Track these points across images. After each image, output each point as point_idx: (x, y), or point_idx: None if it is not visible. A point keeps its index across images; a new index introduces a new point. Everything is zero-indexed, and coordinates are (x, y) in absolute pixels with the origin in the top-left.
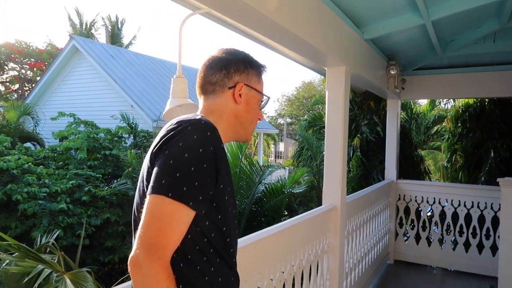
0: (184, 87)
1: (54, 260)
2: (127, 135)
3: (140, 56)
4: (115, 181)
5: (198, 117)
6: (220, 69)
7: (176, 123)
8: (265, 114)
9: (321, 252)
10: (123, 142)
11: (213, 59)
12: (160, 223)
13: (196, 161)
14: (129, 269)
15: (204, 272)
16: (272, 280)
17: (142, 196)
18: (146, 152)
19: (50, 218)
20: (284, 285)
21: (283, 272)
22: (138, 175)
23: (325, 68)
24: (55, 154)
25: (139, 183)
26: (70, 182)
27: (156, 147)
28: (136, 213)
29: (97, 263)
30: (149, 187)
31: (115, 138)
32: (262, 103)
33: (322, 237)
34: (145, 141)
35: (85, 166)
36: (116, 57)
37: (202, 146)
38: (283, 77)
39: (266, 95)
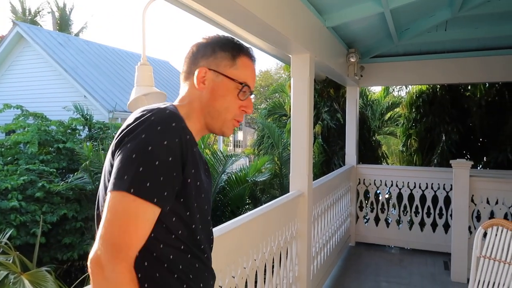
0: (149, 75)
1: (9, 260)
2: (81, 127)
3: (92, 44)
4: (71, 175)
5: (163, 106)
6: (190, 56)
7: (140, 112)
8: None
9: (291, 238)
10: (77, 135)
11: (191, 47)
12: (123, 222)
13: (160, 154)
14: (89, 270)
15: (173, 269)
16: (245, 268)
17: (105, 193)
18: (102, 144)
19: (1, 217)
20: (256, 272)
21: (255, 260)
22: (96, 168)
23: (290, 56)
24: (3, 149)
25: (102, 178)
26: (22, 178)
27: (118, 139)
28: (99, 208)
29: (55, 261)
30: (110, 183)
31: (69, 131)
32: (240, 92)
33: (291, 223)
34: (101, 133)
35: (37, 160)
36: (65, 45)
37: (167, 138)
38: None
39: (238, 81)
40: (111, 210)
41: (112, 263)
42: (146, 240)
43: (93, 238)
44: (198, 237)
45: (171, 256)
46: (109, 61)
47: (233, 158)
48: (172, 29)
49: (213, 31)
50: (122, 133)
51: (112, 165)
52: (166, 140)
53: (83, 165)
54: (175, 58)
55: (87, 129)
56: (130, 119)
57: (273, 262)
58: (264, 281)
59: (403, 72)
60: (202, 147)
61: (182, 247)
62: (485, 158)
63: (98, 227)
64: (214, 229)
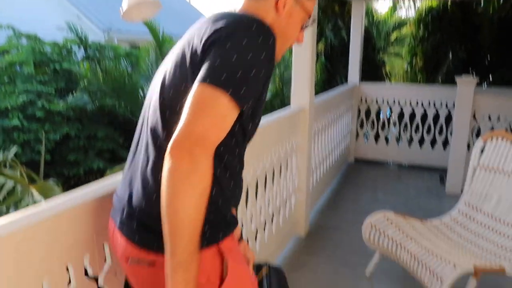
0: None
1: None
2: (76, 48)
3: None
4: (70, 95)
5: (255, 16)
6: None
7: (236, 17)
8: None
9: (291, 151)
10: (73, 56)
11: None
12: (215, 119)
13: (258, 64)
14: (172, 155)
15: (227, 166)
16: (246, 178)
17: (169, 85)
18: (100, 65)
19: (4, 136)
20: (256, 181)
21: (256, 170)
22: (94, 88)
23: None
24: None
25: (163, 72)
26: (21, 97)
27: (213, 35)
28: (164, 94)
29: (62, 177)
30: (203, 74)
31: (64, 52)
32: (306, 24)
33: (291, 137)
34: (97, 53)
35: (35, 81)
36: None
37: (265, 51)
38: None
39: (309, 14)
40: (205, 103)
41: (200, 152)
42: None
43: (97, 155)
44: (245, 146)
45: (227, 156)
46: None
47: None
48: None
49: None
50: (220, 30)
51: (192, 58)
52: (265, 52)
53: (81, 85)
54: None
55: (82, 50)
56: (214, 19)
57: (273, 173)
58: (265, 190)
59: None
60: None
61: (237, 151)
62: (491, 76)
63: (158, 113)
64: None
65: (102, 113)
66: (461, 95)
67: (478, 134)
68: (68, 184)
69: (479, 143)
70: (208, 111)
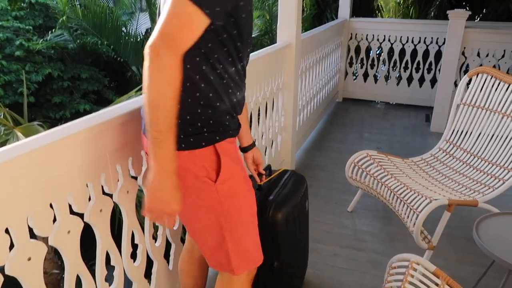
0: None
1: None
2: None
3: None
4: (49, 33)
5: None
6: None
7: None
8: None
9: (277, 90)
10: None
11: None
12: (179, 21)
13: None
14: (147, 53)
15: (222, 74)
16: None
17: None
18: None
19: None
20: None
21: None
22: (74, 25)
23: None
24: None
25: None
26: None
27: None
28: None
29: (48, 120)
30: None
31: None
32: None
33: (277, 75)
34: None
35: (10, 17)
36: None
37: None
38: None
39: None
40: (171, 10)
41: (166, 51)
42: (205, 47)
43: (82, 97)
44: (240, 55)
45: (221, 66)
46: None
47: None
48: None
49: None
50: None
51: None
52: None
53: (60, 21)
54: None
55: None
56: None
57: (259, 112)
58: (250, 128)
59: None
60: None
61: (230, 60)
62: (484, 10)
63: None
64: None
65: (84, 52)
66: (451, 30)
67: (466, 72)
68: (55, 126)
69: (464, 80)
70: (175, 17)
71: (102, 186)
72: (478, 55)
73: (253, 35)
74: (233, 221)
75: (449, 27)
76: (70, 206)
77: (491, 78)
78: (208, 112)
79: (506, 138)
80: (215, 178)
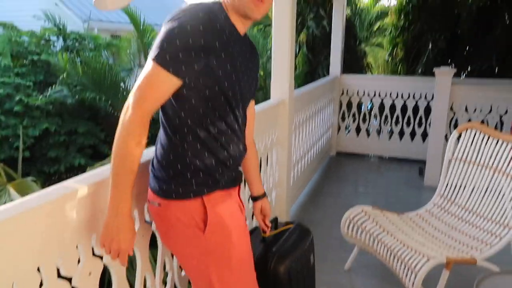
0: None
1: None
2: (55, 38)
3: None
4: (49, 88)
5: (205, 1)
6: None
7: (188, 5)
8: None
9: (271, 145)
10: (51, 46)
11: None
12: (148, 81)
13: (183, 36)
14: (121, 113)
15: (210, 129)
16: None
17: None
18: (79, 56)
19: None
20: None
21: None
22: (74, 81)
23: None
24: None
25: None
26: None
27: (163, 23)
28: None
29: (43, 174)
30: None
31: (42, 42)
32: None
33: (271, 130)
34: (77, 44)
35: (12, 73)
36: None
37: (192, 24)
38: None
39: None
40: (143, 72)
41: (132, 107)
42: (185, 110)
43: (78, 151)
44: (229, 109)
45: (209, 120)
46: None
47: None
48: None
49: None
50: (167, 19)
51: None
52: (190, 26)
53: (60, 78)
54: None
55: (61, 40)
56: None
57: None
58: (244, 185)
59: None
60: None
61: (218, 118)
62: (469, 67)
63: None
64: None
65: (82, 107)
66: (439, 86)
67: (455, 126)
68: (49, 181)
69: (454, 135)
70: (146, 77)
71: None
72: (466, 110)
73: None
74: (223, 271)
75: (436, 84)
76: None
77: (480, 134)
78: (197, 164)
79: (499, 193)
80: (203, 228)
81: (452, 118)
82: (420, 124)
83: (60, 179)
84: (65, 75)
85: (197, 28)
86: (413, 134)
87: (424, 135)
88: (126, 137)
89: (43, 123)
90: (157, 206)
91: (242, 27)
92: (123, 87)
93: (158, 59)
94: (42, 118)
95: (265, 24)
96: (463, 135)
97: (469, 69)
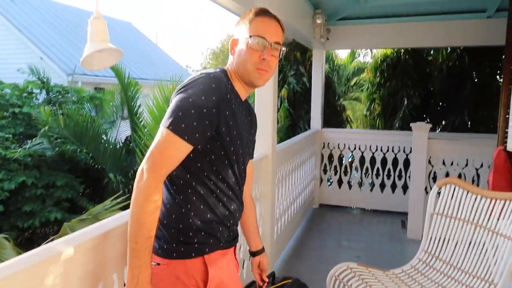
0: (103, 28)
1: None
2: (38, 91)
3: (46, 1)
4: (29, 141)
5: (213, 70)
6: None
7: (196, 75)
8: (189, 68)
9: (254, 200)
10: (34, 99)
11: None
12: (162, 148)
13: (197, 105)
14: (136, 180)
15: (213, 189)
16: None
17: None
18: (61, 109)
19: None
20: None
21: None
22: (55, 133)
23: None
24: None
25: None
26: None
27: (174, 92)
28: None
29: (16, 229)
30: (164, 119)
31: (24, 94)
32: (250, 42)
33: (255, 185)
34: (60, 97)
35: None
36: (17, 1)
37: (205, 94)
38: (208, 30)
39: (248, 35)
40: (156, 139)
41: (147, 173)
42: (193, 168)
43: (55, 205)
44: (230, 172)
45: (213, 181)
46: (67, 21)
47: None
48: None
49: None
50: (179, 88)
51: None
52: (204, 95)
53: (42, 130)
54: (138, 20)
55: (44, 93)
56: (188, 78)
57: None
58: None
59: (369, 35)
60: (166, 108)
61: (219, 176)
62: (443, 121)
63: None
64: None
65: (62, 160)
66: (416, 141)
67: (435, 179)
68: (22, 237)
69: (434, 190)
70: (158, 144)
71: None
72: (444, 163)
73: None
74: None
75: (413, 138)
76: None
77: (459, 189)
78: (198, 223)
79: (482, 248)
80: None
81: (430, 171)
82: (400, 177)
83: (33, 234)
84: (46, 128)
85: (210, 98)
86: (394, 187)
87: (405, 187)
88: (144, 202)
89: (20, 176)
90: (155, 265)
91: (244, 93)
92: (105, 139)
93: (173, 128)
94: (19, 171)
95: None
96: (443, 190)
97: (443, 123)
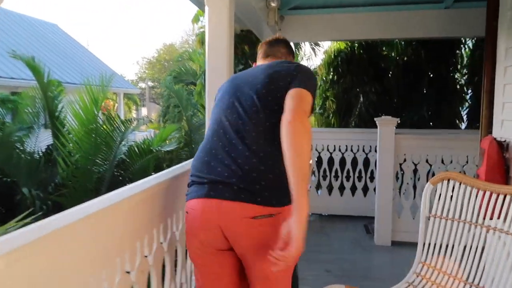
0: None
1: None
2: None
3: None
4: None
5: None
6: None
7: (292, 64)
8: (124, 77)
9: None
10: None
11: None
12: (306, 102)
13: (314, 81)
14: (292, 126)
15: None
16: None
17: (265, 96)
18: None
19: None
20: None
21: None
22: None
23: None
24: None
25: (238, 97)
26: None
27: (291, 73)
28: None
29: None
30: (299, 85)
31: None
32: None
33: None
34: None
35: None
36: None
37: (313, 75)
38: (143, 39)
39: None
40: (299, 95)
41: (302, 119)
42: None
43: None
44: None
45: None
46: None
47: (134, 124)
48: None
49: None
50: (294, 71)
51: (266, 84)
52: (313, 76)
53: None
54: (64, 22)
55: None
56: (283, 65)
57: None
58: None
59: (324, 27)
60: (96, 112)
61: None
62: (401, 118)
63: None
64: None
65: None
66: (383, 136)
67: (402, 179)
68: None
69: (428, 189)
70: (302, 98)
71: None
72: (413, 162)
73: (171, 148)
74: None
75: (379, 134)
76: None
77: (459, 185)
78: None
79: (493, 254)
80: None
81: (397, 171)
82: (360, 178)
83: None
84: None
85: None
86: (353, 189)
87: (365, 189)
88: (309, 141)
89: None
90: (268, 217)
91: None
92: (21, 148)
93: (309, 88)
94: None
95: (188, 81)
96: (438, 187)
97: (399, 120)
